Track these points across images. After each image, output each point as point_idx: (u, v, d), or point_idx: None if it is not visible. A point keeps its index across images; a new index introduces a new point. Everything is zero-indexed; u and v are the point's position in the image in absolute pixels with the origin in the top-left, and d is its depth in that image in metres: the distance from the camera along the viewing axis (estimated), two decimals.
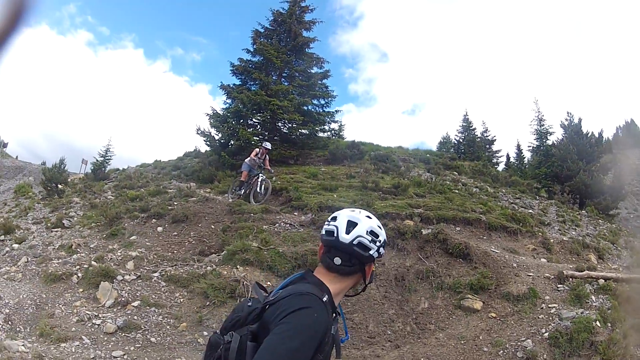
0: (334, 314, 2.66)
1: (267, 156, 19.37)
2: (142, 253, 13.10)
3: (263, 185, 18.18)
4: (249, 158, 19.12)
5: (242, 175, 18.91)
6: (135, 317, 10.15)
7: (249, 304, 2.57)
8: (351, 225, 2.67)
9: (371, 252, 2.69)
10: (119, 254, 12.97)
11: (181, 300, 11.05)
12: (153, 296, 11.04)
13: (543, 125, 46.88)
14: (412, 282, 12.24)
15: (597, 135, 70.96)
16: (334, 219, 2.75)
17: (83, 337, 9.29)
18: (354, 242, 2.63)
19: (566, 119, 41.41)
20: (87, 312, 10.11)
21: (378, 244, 2.72)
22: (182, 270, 12.21)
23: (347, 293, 2.87)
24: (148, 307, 10.52)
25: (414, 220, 15.38)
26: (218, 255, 13.07)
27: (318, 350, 2.30)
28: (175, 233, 14.80)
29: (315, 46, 38.94)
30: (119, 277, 11.50)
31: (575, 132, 39.65)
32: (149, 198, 18.57)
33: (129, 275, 11.71)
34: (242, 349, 2.31)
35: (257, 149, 19.26)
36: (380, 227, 2.78)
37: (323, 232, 2.79)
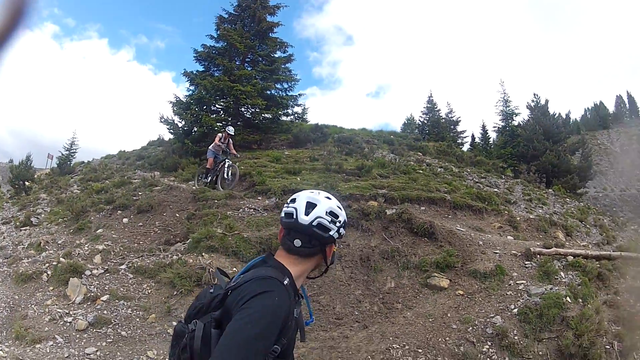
0: (297, 297, 2.72)
1: (231, 141, 19.39)
2: (109, 246, 13.12)
3: (230, 171, 18.22)
4: (213, 144, 19.17)
5: (208, 163, 19.02)
6: (105, 312, 10.13)
7: (211, 290, 2.62)
8: (310, 206, 2.74)
9: (331, 232, 2.75)
10: (86, 248, 12.99)
11: (149, 291, 11.06)
12: (121, 289, 11.04)
13: (509, 106, 47.84)
14: (377, 262, 12.31)
15: (564, 116, 72.45)
16: (293, 200, 2.81)
17: (56, 336, 9.26)
18: (314, 224, 2.69)
19: (532, 100, 42.83)
20: (59, 310, 10.07)
21: (338, 224, 2.78)
22: (148, 261, 12.23)
23: (309, 275, 2.91)
24: (117, 301, 10.52)
25: (378, 201, 15.51)
26: (183, 244, 13.12)
27: (282, 334, 2.37)
28: (141, 224, 14.87)
29: (280, 30, 39.20)
30: (87, 272, 11.46)
31: (541, 113, 40.73)
32: (113, 190, 18.62)
33: (97, 269, 11.69)
34: (207, 337, 2.36)
35: (220, 134, 19.33)
36: (340, 208, 2.84)
37: (282, 214, 2.84)
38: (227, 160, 18.50)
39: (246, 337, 2.17)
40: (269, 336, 2.26)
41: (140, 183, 19.12)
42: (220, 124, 25.79)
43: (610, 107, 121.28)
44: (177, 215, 15.21)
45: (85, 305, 10.35)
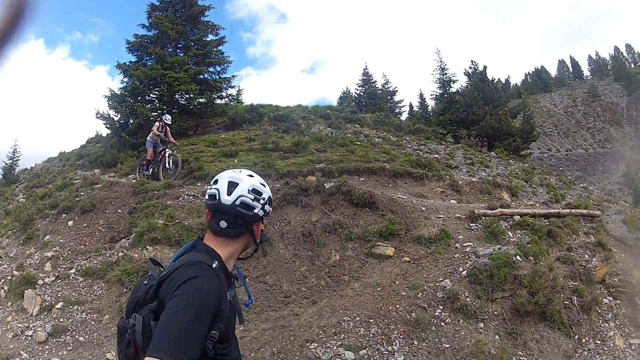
0: (231, 280, 2.79)
1: (169, 129, 19.29)
2: (57, 252, 12.99)
3: (171, 160, 18.09)
4: (150, 134, 18.94)
5: (148, 154, 18.78)
6: (62, 320, 10.14)
7: (145, 282, 2.66)
8: (232, 185, 2.76)
9: (255, 210, 2.79)
10: (36, 257, 12.90)
11: (100, 292, 11.06)
12: (73, 294, 11.03)
13: (446, 74, 48.55)
14: (320, 236, 12.34)
15: (503, 81, 74.39)
16: (215, 182, 2.83)
17: (21, 352, 9.28)
18: (237, 203, 2.73)
19: (470, 67, 44.34)
20: (19, 325, 10.11)
21: (262, 201, 2.83)
22: (96, 262, 12.20)
23: (240, 256, 2.97)
24: (71, 307, 10.52)
25: (316, 176, 15.56)
26: (128, 239, 13.11)
27: (217, 319, 2.45)
28: (85, 224, 14.68)
29: (212, 13, 39.74)
30: (40, 282, 11.44)
31: (480, 79, 41.95)
32: (57, 193, 18.15)
33: (48, 277, 11.66)
34: (147, 330, 2.39)
35: (158, 123, 19.12)
36: (263, 185, 2.88)
37: (206, 196, 2.85)
38: (167, 149, 18.36)
39: (179, 324, 2.23)
40: (202, 321, 2.33)
41: (81, 183, 18.75)
42: (156, 114, 25.45)
43: (553, 72, 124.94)
44: (120, 211, 15.12)
45: (42, 316, 10.38)
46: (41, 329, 9.75)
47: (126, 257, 11.78)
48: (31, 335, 9.67)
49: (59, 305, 10.53)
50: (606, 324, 9.72)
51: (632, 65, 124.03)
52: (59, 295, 10.91)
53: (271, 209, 2.96)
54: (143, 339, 2.36)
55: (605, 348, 9.14)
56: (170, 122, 19.55)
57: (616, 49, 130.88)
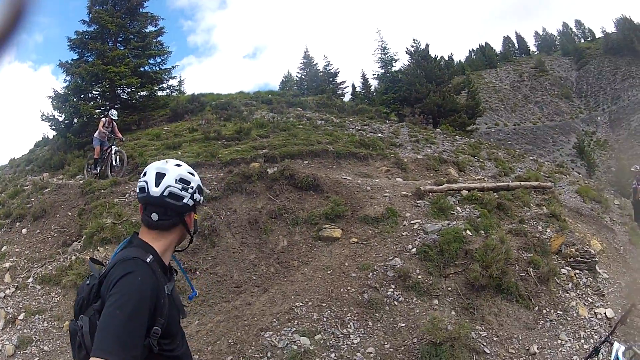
0: (169, 273, 2.84)
1: (115, 124, 19.06)
2: (14, 261, 12.87)
3: (118, 157, 17.93)
4: (97, 132, 18.70)
5: (95, 152, 18.55)
6: (25, 331, 10.05)
7: (87, 282, 2.67)
8: (159, 177, 2.77)
9: (185, 200, 2.80)
10: None
11: (58, 299, 10.94)
12: (33, 303, 10.91)
13: (387, 53, 49.25)
14: (266, 223, 12.43)
15: (447, 58, 75.53)
16: (144, 174, 2.82)
17: None
18: (165, 194, 2.74)
19: (412, 46, 44.98)
20: None
21: (190, 190, 2.83)
22: (51, 268, 12.07)
23: (177, 248, 2.98)
24: (32, 317, 10.41)
25: (259, 162, 15.60)
26: (79, 242, 12.93)
27: (156, 314, 2.48)
28: (38, 230, 14.54)
29: (150, 4, 40.12)
30: (1, 295, 11.36)
31: (422, 57, 42.62)
32: (9, 201, 17.91)
33: (9, 288, 11.59)
34: (94, 330, 2.36)
35: (104, 120, 18.85)
36: (191, 174, 2.90)
37: (137, 190, 2.86)
38: (113, 146, 18.18)
39: (117, 323, 2.26)
40: (140, 316, 2.35)
41: (32, 189, 18.47)
42: (99, 110, 25.41)
43: (498, 48, 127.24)
44: (70, 213, 14.92)
45: (7, 329, 10.27)
46: (8, 342, 9.67)
47: (79, 260, 11.71)
48: (0, 350, 9.59)
49: (21, 317, 10.44)
50: (567, 294, 9.89)
51: (582, 41, 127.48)
52: (20, 306, 10.81)
53: (202, 197, 2.96)
54: (91, 340, 2.35)
55: (568, 318, 9.29)
56: (116, 118, 19.32)
57: (565, 24, 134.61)
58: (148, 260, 2.59)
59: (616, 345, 6.61)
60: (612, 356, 6.56)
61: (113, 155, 17.78)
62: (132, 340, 2.26)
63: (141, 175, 2.83)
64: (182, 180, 2.79)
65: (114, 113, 19.14)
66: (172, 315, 2.66)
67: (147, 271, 2.52)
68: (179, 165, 2.88)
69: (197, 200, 2.89)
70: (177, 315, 2.82)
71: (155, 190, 2.72)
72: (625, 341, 8.26)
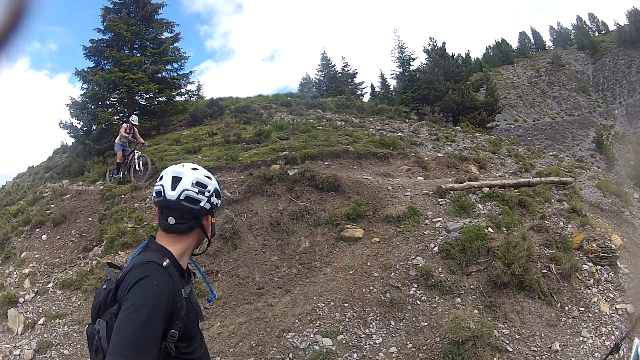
0: (187, 276, 2.83)
1: (136, 130, 19.10)
2: (34, 267, 13.00)
3: (141, 162, 17.71)
4: (118, 137, 18.66)
5: (117, 157, 18.37)
6: (45, 335, 10.08)
7: (104, 286, 2.67)
8: (176, 180, 2.76)
9: (202, 204, 2.77)
10: (15, 275, 12.93)
11: (78, 303, 11.01)
12: (54, 308, 10.97)
13: (404, 52, 49.16)
14: (288, 224, 12.42)
15: (464, 56, 75.41)
16: (161, 178, 2.81)
17: None
18: (181, 197, 2.72)
19: (429, 44, 45.18)
20: (6, 345, 10.04)
21: (207, 194, 2.80)
22: (72, 273, 12.19)
23: (195, 252, 2.98)
24: (53, 321, 10.47)
25: (280, 164, 15.52)
26: (100, 247, 13.05)
27: (173, 317, 2.47)
28: (58, 236, 14.63)
29: (166, 10, 39.50)
30: (21, 300, 11.43)
31: (440, 55, 42.72)
32: (29, 208, 18.17)
33: (28, 294, 11.65)
34: (111, 334, 2.35)
35: (125, 125, 18.86)
36: (208, 177, 2.87)
37: (153, 194, 2.85)
38: (135, 151, 18.00)
39: (133, 327, 2.26)
40: (155, 320, 2.34)
41: (51, 195, 18.63)
42: (117, 117, 25.62)
43: (514, 44, 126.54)
44: (90, 219, 15.05)
45: (27, 334, 10.35)
46: (27, 347, 9.72)
47: (100, 265, 11.72)
48: (19, 355, 9.62)
49: (41, 321, 10.50)
50: (589, 290, 9.78)
51: (596, 34, 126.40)
52: (40, 311, 10.89)
53: (219, 201, 2.94)
54: (108, 344, 2.34)
55: (590, 315, 9.19)
56: (137, 123, 19.37)
57: (579, 18, 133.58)
58: (164, 264, 2.59)
59: (637, 341, 6.50)
60: (633, 352, 6.46)
61: (136, 160, 17.65)
62: (147, 344, 2.26)
63: (158, 179, 2.83)
64: (198, 184, 2.78)
65: (134, 119, 19.22)
66: (189, 318, 2.66)
67: (164, 275, 2.53)
68: (195, 169, 2.87)
69: (215, 203, 2.87)
70: (195, 318, 2.81)
71: (171, 194, 2.72)
72: None
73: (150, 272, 2.49)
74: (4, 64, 1.13)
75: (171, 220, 2.74)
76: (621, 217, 14.78)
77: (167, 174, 2.80)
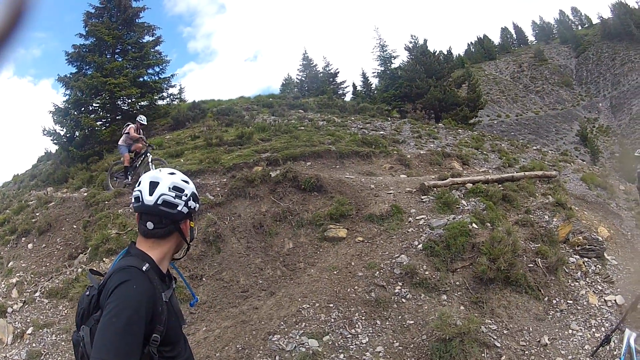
0: (168, 281, 2.88)
1: (142, 131, 17.95)
2: (21, 277, 13.01)
3: (154, 165, 16.41)
4: (124, 138, 17.40)
5: (125, 160, 17.11)
6: (34, 345, 10.05)
7: (87, 293, 2.71)
8: (153, 185, 2.79)
9: (179, 208, 2.82)
10: (3, 285, 12.92)
11: (65, 312, 10.97)
12: (41, 317, 10.94)
13: (386, 50, 49.51)
14: (271, 226, 12.43)
15: (445, 52, 75.92)
16: (139, 183, 2.85)
17: None
18: (159, 202, 2.76)
19: (410, 42, 45.37)
20: None
21: (184, 198, 2.85)
22: (58, 281, 12.17)
23: (175, 256, 3.01)
24: (41, 330, 10.44)
25: (262, 165, 15.55)
26: (85, 254, 13.04)
27: (154, 321, 2.52)
28: (44, 245, 14.65)
29: (148, 13, 39.89)
30: (9, 310, 11.38)
31: (421, 53, 42.97)
32: (14, 217, 18.06)
33: (16, 304, 11.62)
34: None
35: (133, 125, 17.52)
36: (185, 181, 2.93)
37: (132, 199, 2.89)
38: (149, 153, 16.85)
39: (114, 331, 2.30)
40: (136, 324, 2.37)
41: (36, 204, 18.52)
42: (100, 123, 26.28)
43: (496, 40, 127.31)
44: (75, 226, 15.07)
45: (16, 344, 10.36)
46: (17, 357, 9.70)
47: (85, 273, 11.41)
48: None
49: (29, 331, 10.46)
50: (576, 283, 9.85)
51: (579, 28, 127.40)
52: (28, 321, 10.84)
53: (197, 205, 2.98)
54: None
55: (578, 307, 9.25)
56: (145, 123, 18.33)
57: (561, 12, 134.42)
58: (144, 268, 2.62)
59: (627, 332, 6.52)
60: (624, 343, 6.47)
61: (151, 164, 16.36)
62: (128, 348, 2.29)
63: (136, 184, 2.86)
64: (175, 188, 2.81)
65: (142, 118, 18.03)
66: (171, 322, 2.69)
67: (144, 279, 2.56)
68: (172, 173, 2.90)
69: (192, 207, 2.90)
70: (177, 322, 2.85)
71: (149, 199, 2.74)
72: (637, 327, 8.22)
73: (130, 277, 2.51)
74: (3, 64, 1.15)
75: (150, 225, 2.77)
76: (607, 209, 14.93)
77: (145, 179, 2.82)
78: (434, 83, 37.69)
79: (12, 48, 1.07)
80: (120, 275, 2.53)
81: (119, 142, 17.67)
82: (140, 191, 2.79)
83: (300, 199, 13.32)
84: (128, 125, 17.80)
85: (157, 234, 2.79)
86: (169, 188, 2.79)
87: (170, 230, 2.82)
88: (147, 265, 2.65)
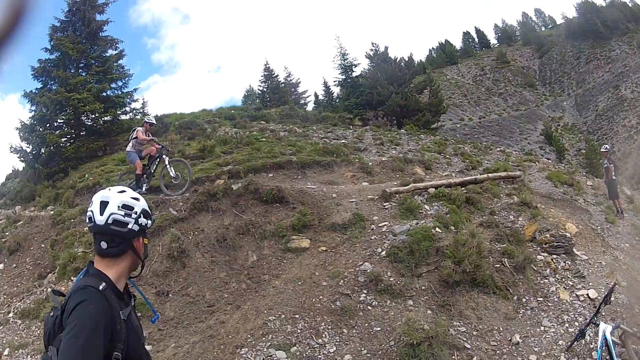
0: (127, 299, 2.89)
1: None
2: None
3: (173, 168, 15.18)
4: (132, 143, 15.78)
5: (137, 168, 15.44)
6: None
7: (52, 314, 2.71)
8: (103, 205, 2.79)
9: (130, 226, 2.82)
10: None
11: (38, 332, 11.00)
12: (16, 338, 11.07)
13: (347, 59, 49.67)
14: (234, 239, 12.40)
15: (407, 59, 76.49)
16: (91, 203, 2.85)
17: None
18: (109, 222, 2.76)
19: (371, 49, 45.79)
20: None
21: (134, 215, 2.85)
22: (29, 302, 12.35)
23: (133, 274, 3.02)
24: (16, 351, 10.53)
25: (223, 179, 15.52)
26: (53, 274, 13.10)
27: (114, 339, 2.56)
28: (14, 265, 14.75)
29: (112, 26, 40.61)
30: None
31: (382, 60, 43.32)
32: None
33: None
34: None
35: (140, 128, 15.94)
36: (135, 199, 2.92)
37: (86, 220, 2.89)
38: (164, 156, 15.36)
39: (75, 351, 2.33)
40: (96, 342, 2.42)
41: (5, 223, 18.47)
42: (65, 139, 26.14)
43: (458, 44, 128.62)
44: (43, 245, 15.11)
45: None
46: None
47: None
48: None
49: (6, 352, 10.55)
50: (545, 280, 10.05)
51: (543, 29, 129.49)
52: (4, 342, 10.95)
53: (148, 221, 2.98)
54: None
55: (549, 304, 9.43)
56: (154, 122, 17.46)
57: (524, 14, 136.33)
58: (101, 287, 2.63)
59: (602, 325, 6.59)
60: (600, 337, 6.55)
61: (169, 167, 15.00)
62: None
63: (89, 205, 2.86)
64: (125, 207, 2.81)
65: (151, 118, 17.00)
66: (130, 340, 2.70)
67: (100, 299, 2.58)
68: (122, 191, 2.89)
69: (143, 224, 2.90)
70: (137, 340, 2.84)
71: (100, 219, 2.75)
72: (612, 320, 8.32)
73: (86, 297, 2.54)
74: (3, 64, 1.19)
75: (103, 244, 2.78)
76: (575, 205, 15.16)
77: (96, 199, 2.83)
78: (395, 90, 38.01)
79: (11, 48, 1.12)
80: (78, 296, 2.55)
81: (127, 149, 16.01)
82: (92, 211, 2.79)
83: (263, 211, 13.31)
84: (134, 129, 16.27)
85: (110, 253, 2.80)
86: (118, 207, 2.79)
87: (123, 248, 2.83)
88: (104, 284, 2.66)
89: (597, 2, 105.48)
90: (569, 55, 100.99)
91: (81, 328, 2.41)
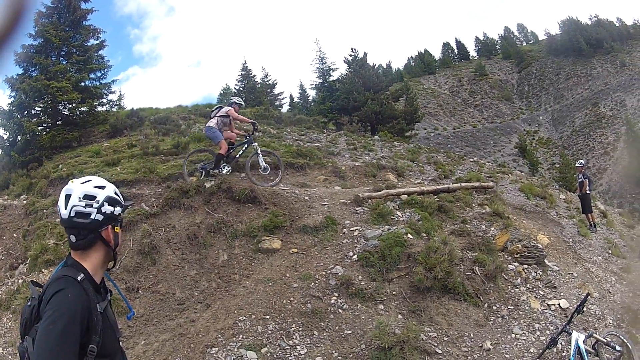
0: (103, 292, 2.93)
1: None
2: None
3: (263, 159, 14.74)
4: (215, 122, 14.98)
5: (222, 148, 14.61)
6: None
7: (29, 303, 2.74)
8: (67, 198, 2.81)
9: (92, 216, 2.82)
10: None
11: (9, 324, 10.87)
12: None
13: (325, 63, 49.95)
14: (205, 237, 12.40)
15: (385, 66, 77.29)
16: (60, 199, 2.86)
17: None
18: (72, 214, 2.78)
19: (350, 55, 45.86)
20: None
21: (96, 205, 2.84)
22: (0, 292, 12.27)
23: (109, 266, 3.04)
24: None
25: (196, 176, 15.46)
26: (25, 265, 13.07)
27: (90, 331, 2.59)
28: None
29: (97, 14, 39.66)
30: None
31: (360, 66, 43.50)
32: None
33: None
34: None
35: (228, 107, 15.12)
36: (100, 187, 2.91)
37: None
38: (254, 143, 14.90)
39: (52, 338, 2.39)
40: (73, 331, 2.47)
41: None
42: (41, 127, 25.39)
43: (437, 55, 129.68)
44: (15, 235, 15.08)
45: None
46: None
47: (25, 284, 11.73)
48: None
49: None
50: (517, 289, 10.26)
51: (524, 44, 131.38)
52: None
53: (114, 208, 2.94)
54: None
55: (520, 312, 9.63)
56: (243, 104, 16.59)
57: (507, 29, 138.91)
58: (79, 278, 2.66)
59: (575, 334, 6.75)
60: (572, 345, 6.69)
61: (260, 156, 14.59)
62: (65, 354, 2.39)
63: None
64: (86, 197, 2.81)
65: (239, 99, 15.79)
66: (106, 333, 2.73)
67: (78, 288, 2.61)
68: (86, 182, 2.90)
69: (108, 212, 2.88)
70: (113, 334, 2.87)
71: (64, 213, 2.78)
72: (585, 329, 8.50)
73: (65, 286, 2.58)
74: (3, 64, 1.23)
75: (72, 238, 2.82)
76: (547, 217, 15.36)
77: (62, 193, 2.84)
78: (371, 96, 38.30)
79: (11, 47, 1.14)
80: (57, 285, 2.59)
81: (209, 125, 15.11)
82: (59, 205, 2.82)
83: (235, 210, 13.32)
84: (218, 107, 15.69)
85: (80, 245, 2.81)
86: (79, 198, 2.79)
87: (91, 240, 2.83)
88: (82, 275, 2.70)
89: (583, 19, 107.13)
90: (548, 71, 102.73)
91: (60, 316, 2.44)
